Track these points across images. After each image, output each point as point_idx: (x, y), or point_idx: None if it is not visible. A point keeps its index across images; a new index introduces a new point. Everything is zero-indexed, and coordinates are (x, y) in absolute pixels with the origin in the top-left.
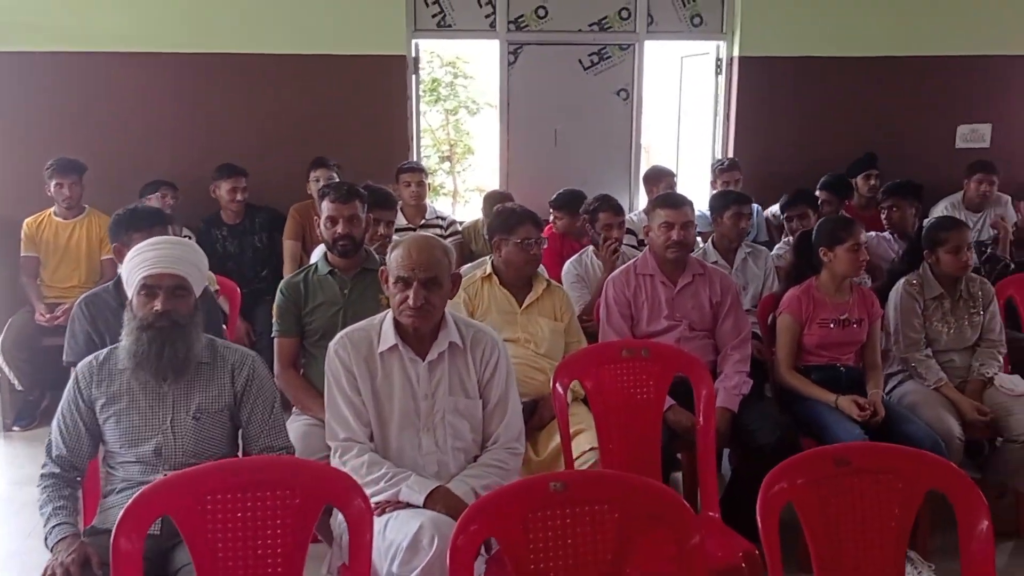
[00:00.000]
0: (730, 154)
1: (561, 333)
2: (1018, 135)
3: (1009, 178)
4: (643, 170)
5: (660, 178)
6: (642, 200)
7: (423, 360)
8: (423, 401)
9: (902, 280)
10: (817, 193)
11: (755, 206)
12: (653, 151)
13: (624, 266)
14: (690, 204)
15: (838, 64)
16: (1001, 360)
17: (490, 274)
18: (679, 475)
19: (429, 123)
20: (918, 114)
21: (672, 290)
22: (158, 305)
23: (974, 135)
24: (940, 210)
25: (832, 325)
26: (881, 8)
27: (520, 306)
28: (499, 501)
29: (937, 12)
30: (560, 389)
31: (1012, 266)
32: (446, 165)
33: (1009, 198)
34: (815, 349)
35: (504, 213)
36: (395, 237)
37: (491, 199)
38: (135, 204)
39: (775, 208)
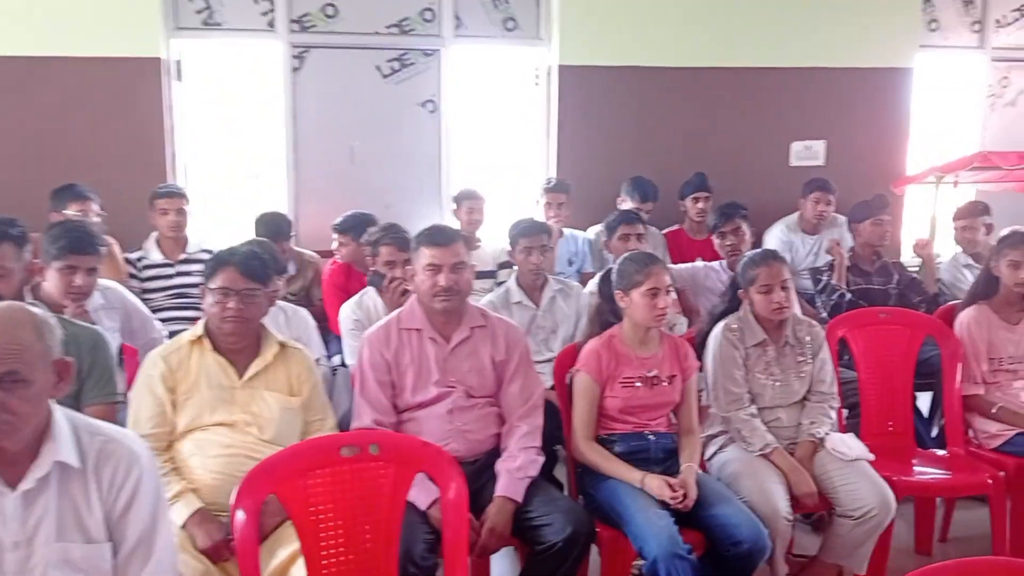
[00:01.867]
0: (553, 172)
1: (297, 411)
2: (854, 152)
3: (845, 198)
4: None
5: (460, 202)
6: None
7: (12, 491)
8: (10, 552)
9: (720, 325)
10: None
11: (574, 233)
12: (472, 170)
13: (384, 320)
14: (460, 240)
15: (664, 75)
16: (834, 416)
17: (200, 336)
18: None
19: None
20: (751, 130)
21: (445, 348)
22: None
23: (808, 152)
24: (775, 233)
25: (638, 384)
26: (708, 16)
27: (240, 378)
28: None
29: (766, 22)
30: (241, 515)
31: (848, 296)
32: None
33: (846, 219)
34: (619, 414)
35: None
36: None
37: (264, 223)
38: None
39: (597, 228)
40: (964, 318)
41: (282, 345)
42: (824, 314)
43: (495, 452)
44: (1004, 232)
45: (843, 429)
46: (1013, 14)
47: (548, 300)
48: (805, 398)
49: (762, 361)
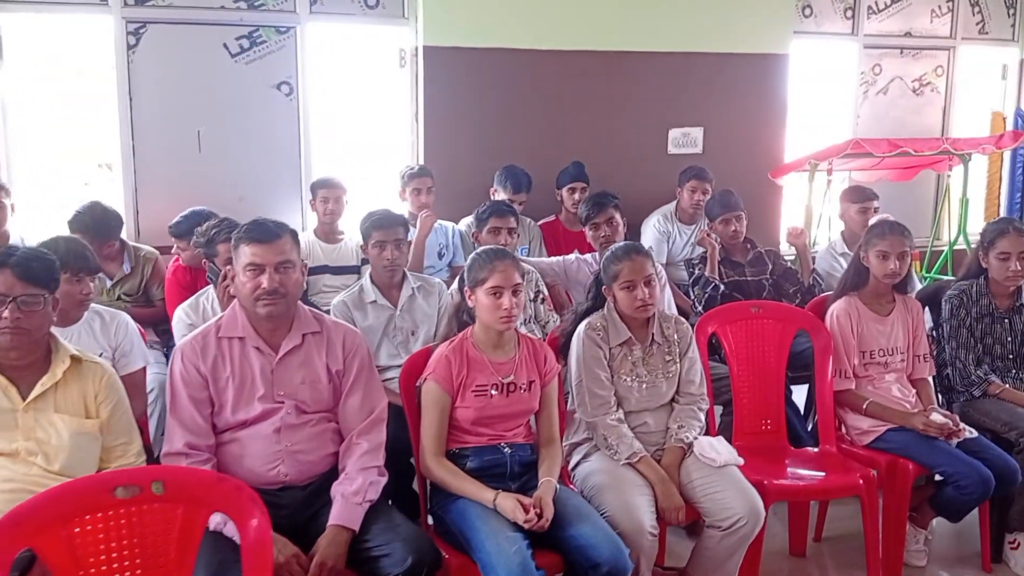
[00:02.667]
0: (421, 159)
1: (94, 436)
2: (732, 139)
3: (725, 186)
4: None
5: (315, 192)
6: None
7: None
8: None
9: (584, 323)
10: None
11: (444, 224)
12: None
13: (201, 327)
14: (287, 235)
15: (538, 59)
16: (703, 419)
17: None
18: None
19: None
20: (628, 116)
21: (272, 358)
22: None
23: (687, 139)
24: (652, 224)
25: (493, 392)
26: None
27: (24, 399)
28: None
29: (642, 5)
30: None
31: (722, 288)
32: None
33: None
34: (471, 426)
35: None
36: None
37: (83, 218)
38: None
39: (468, 219)
40: (834, 310)
41: (76, 359)
42: (699, 307)
43: (332, 473)
44: (873, 222)
45: (715, 430)
46: (885, 1)
47: (406, 299)
48: (674, 400)
49: (627, 362)
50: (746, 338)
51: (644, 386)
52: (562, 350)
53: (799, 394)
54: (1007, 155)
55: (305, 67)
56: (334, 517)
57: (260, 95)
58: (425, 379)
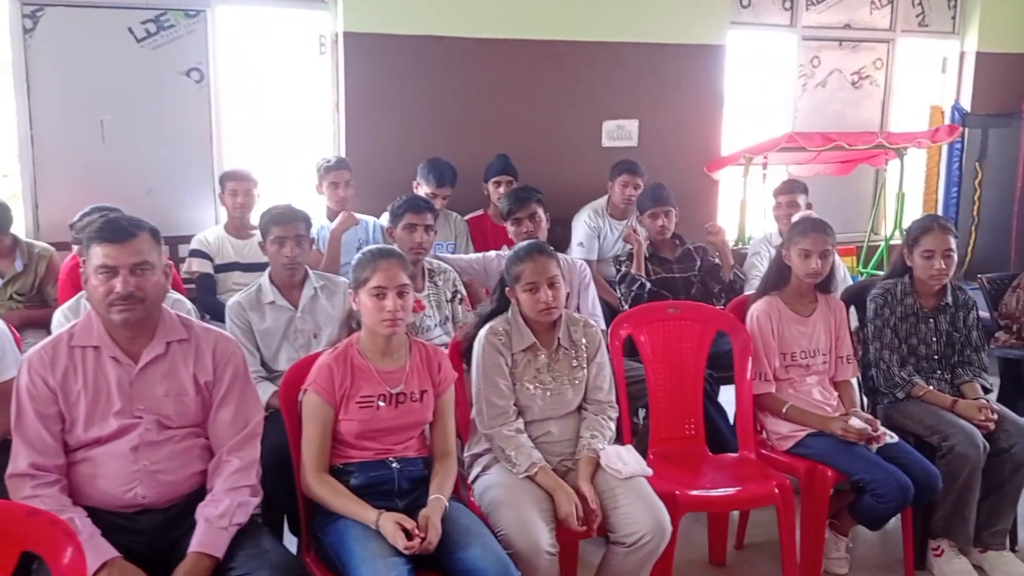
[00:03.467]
0: (342, 151)
1: None
2: (667, 132)
3: (660, 180)
4: None
5: (224, 184)
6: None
7: None
8: None
9: (486, 328)
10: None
11: (365, 219)
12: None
13: (52, 336)
14: (145, 232)
15: (465, 47)
16: (612, 428)
17: None
18: None
19: None
20: (561, 108)
21: (131, 370)
22: None
23: (621, 132)
24: (583, 218)
25: (380, 403)
26: None
27: None
28: None
29: None
30: None
31: (648, 286)
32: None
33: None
34: (356, 440)
35: None
36: None
37: None
38: None
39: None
40: (755, 311)
41: None
42: (626, 305)
43: (200, 494)
44: (795, 219)
45: (629, 437)
46: None
47: (308, 299)
48: (582, 407)
49: (531, 368)
50: (663, 340)
51: (549, 394)
52: (465, 355)
53: (728, 394)
54: (944, 149)
55: (217, 53)
56: (195, 543)
57: (168, 82)
58: (305, 390)
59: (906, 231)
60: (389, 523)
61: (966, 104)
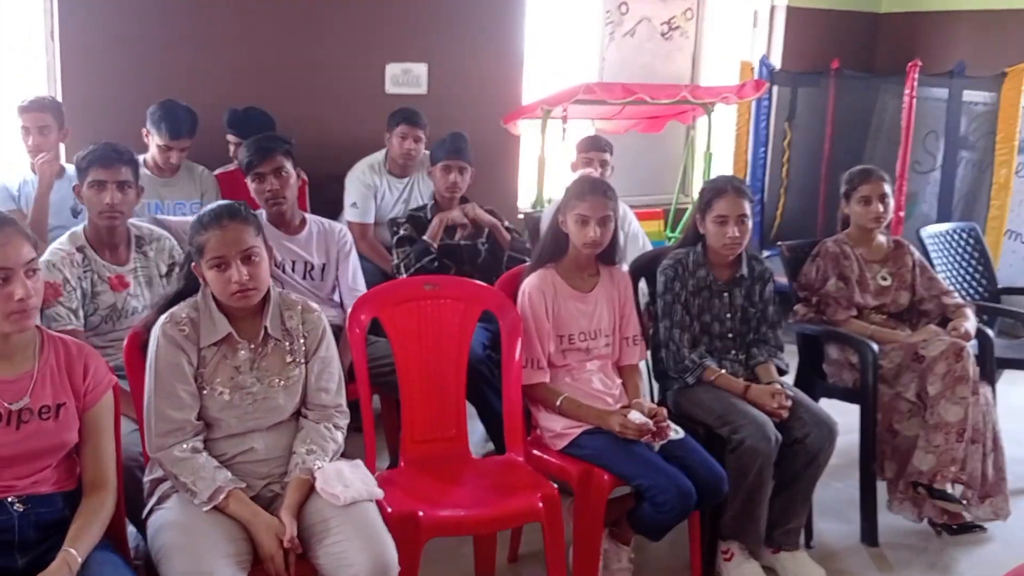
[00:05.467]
0: (58, 90)
1: None
2: (461, 79)
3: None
4: None
5: None
6: None
7: None
8: None
9: (165, 316)
10: None
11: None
12: None
13: None
14: None
15: None
16: (340, 439)
17: None
18: None
19: None
20: (336, 48)
21: None
22: None
23: (408, 77)
24: (357, 175)
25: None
26: None
27: None
28: None
29: None
30: None
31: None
32: None
33: None
34: None
35: None
36: None
37: None
38: None
39: None
40: (527, 287)
41: None
42: (403, 274)
43: None
44: (572, 181)
45: (373, 452)
46: None
47: None
48: (300, 414)
49: (226, 367)
50: (417, 323)
51: (252, 400)
52: (145, 349)
53: None
54: (753, 107)
55: None
56: None
57: None
58: None
59: (699, 194)
60: None
61: (776, 61)
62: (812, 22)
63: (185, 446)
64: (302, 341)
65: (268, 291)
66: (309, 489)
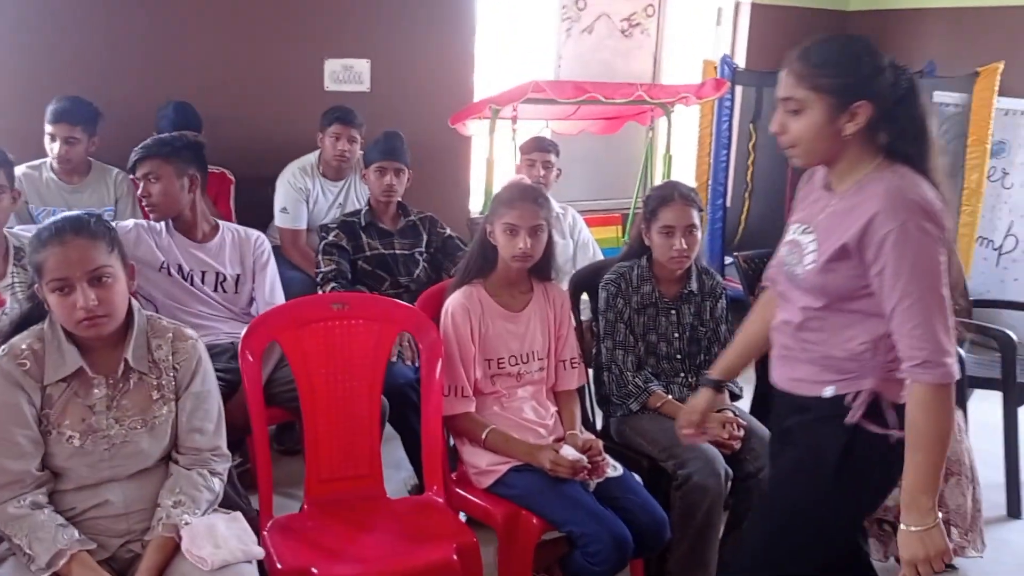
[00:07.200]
0: None
1: None
2: (406, 76)
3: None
4: None
5: None
6: None
7: None
8: None
9: (4, 348)
10: None
11: None
12: None
13: None
14: None
15: None
16: (216, 487)
17: None
18: None
19: None
20: (272, 41)
21: None
22: None
23: (349, 74)
24: (287, 178)
25: None
26: None
27: None
28: None
29: None
30: None
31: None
32: None
33: None
34: None
35: None
36: None
37: None
38: None
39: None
40: (450, 305)
41: None
42: (325, 288)
43: None
44: (502, 187)
45: (268, 497)
46: None
47: None
48: (171, 458)
49: (77, 407)
50: (324, 347)
51: (108, 444)
52: None
53: None
54: (715, 108)
55: None
56: None
57: None
58: None
59: (644, 202)
60: None
61: (741, 60)
62: (778, 20)
63: (23, 501)
64: (172, 375)
65: (132, 316)
66: (173, 549)
